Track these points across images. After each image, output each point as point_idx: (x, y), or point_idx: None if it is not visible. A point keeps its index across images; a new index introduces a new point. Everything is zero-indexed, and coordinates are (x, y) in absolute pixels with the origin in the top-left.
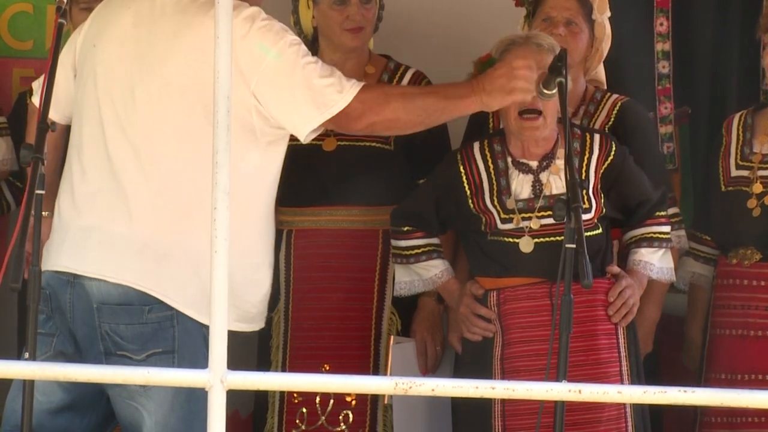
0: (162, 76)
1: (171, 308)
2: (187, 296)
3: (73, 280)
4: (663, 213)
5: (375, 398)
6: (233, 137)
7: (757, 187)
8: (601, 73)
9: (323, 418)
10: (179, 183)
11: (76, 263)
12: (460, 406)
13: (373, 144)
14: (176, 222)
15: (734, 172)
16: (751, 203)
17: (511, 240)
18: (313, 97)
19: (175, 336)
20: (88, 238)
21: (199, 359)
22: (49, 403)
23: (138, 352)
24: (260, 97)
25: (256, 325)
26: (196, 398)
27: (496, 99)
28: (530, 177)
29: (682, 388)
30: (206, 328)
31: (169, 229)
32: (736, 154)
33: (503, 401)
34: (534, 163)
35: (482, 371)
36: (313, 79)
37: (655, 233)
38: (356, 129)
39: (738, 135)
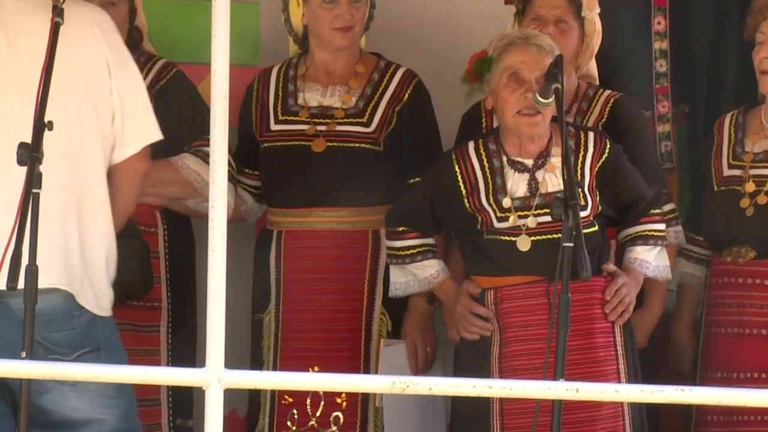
0: (52, 79)
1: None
2: (101, 295)
3: None
4: (658, 211)
5: (365, 399)
6: (106, 126)
7: (750, 186)
8: (593, 68)
9: (314, 419)
10: (71, 182)
11: None
12: (457, 405)
13: (363, 145)
14: (77, 221)
15: (726, 172)
16: (744, 202)
17: (507, 238)
18: (152, 119)
19: (99, 334)
20: None
21: (121, 350)
22: None
23: (69, 354)
24: (118, 96)
25: (107, 311)
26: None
27: None
28: (526, 175)
29: (680, 387)
30: None
31: (71, 231)
32: (728, 153)
33: (501, 400)
34: (529, 162)
35: (480, 370)
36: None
37: (650, 231)
38: (141, 169)
39: (730, 134)
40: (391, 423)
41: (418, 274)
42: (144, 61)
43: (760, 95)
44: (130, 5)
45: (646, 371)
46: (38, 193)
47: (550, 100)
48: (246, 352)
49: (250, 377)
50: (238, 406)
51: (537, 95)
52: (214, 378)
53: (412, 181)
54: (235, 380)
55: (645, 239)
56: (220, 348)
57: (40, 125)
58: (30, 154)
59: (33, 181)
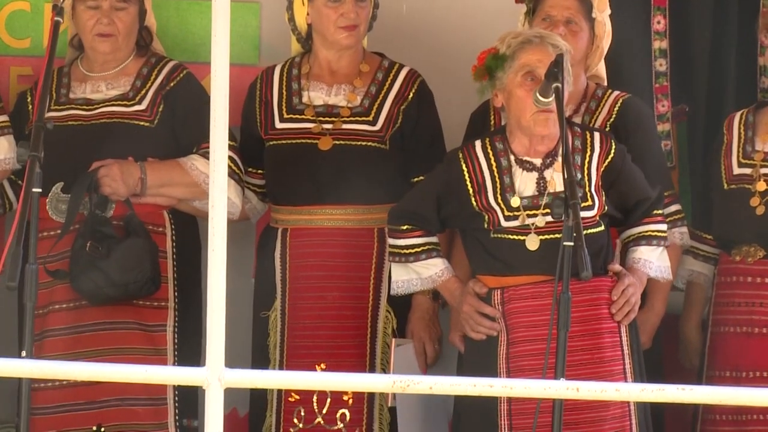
0: None
1: None
2: None
3: None
4: (660, 211)
5: (372, 397)
6: None
7: (761, 185)
8: (601, 69)
9: (320, 416)
10: None
11: None
12: (464, 405)
13: (369, 143)
14: None
15: (736, 170)
16: (755, 201)
17: (516, 237)
18: None
19: None
20: None
21: None
22: None
23: None
24: None
25: None
26: None
27: None
28: (534, 175)
29: (681, 386)
30: None
31: None
32: (738, 152)
33: (509, 400)
34: (538, 161)
35: (487, 370)
36: None
37: (653, 231)
38: None
39: (739, 133)
40: (404, 422)
41: (422, 273)
42: (154, 62)
43: (762, 94)
44: (140, 7)
45: (651, 371)
46: (38, 193)
47: (550, 99)
48: (247, 351)
49: (251, 376)
50: (239, 405)
51: (537, 94)
52: (215, 377)
53: (415, 179)
54: (235, 379)
55: (648, 239)
56: (221, 347)
57: (40, 125)
58: (30, 154)
59: (33, 180)
